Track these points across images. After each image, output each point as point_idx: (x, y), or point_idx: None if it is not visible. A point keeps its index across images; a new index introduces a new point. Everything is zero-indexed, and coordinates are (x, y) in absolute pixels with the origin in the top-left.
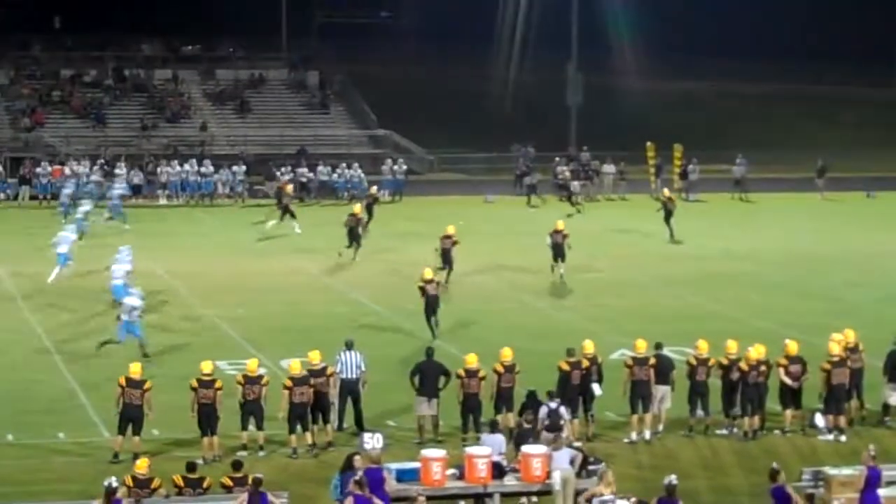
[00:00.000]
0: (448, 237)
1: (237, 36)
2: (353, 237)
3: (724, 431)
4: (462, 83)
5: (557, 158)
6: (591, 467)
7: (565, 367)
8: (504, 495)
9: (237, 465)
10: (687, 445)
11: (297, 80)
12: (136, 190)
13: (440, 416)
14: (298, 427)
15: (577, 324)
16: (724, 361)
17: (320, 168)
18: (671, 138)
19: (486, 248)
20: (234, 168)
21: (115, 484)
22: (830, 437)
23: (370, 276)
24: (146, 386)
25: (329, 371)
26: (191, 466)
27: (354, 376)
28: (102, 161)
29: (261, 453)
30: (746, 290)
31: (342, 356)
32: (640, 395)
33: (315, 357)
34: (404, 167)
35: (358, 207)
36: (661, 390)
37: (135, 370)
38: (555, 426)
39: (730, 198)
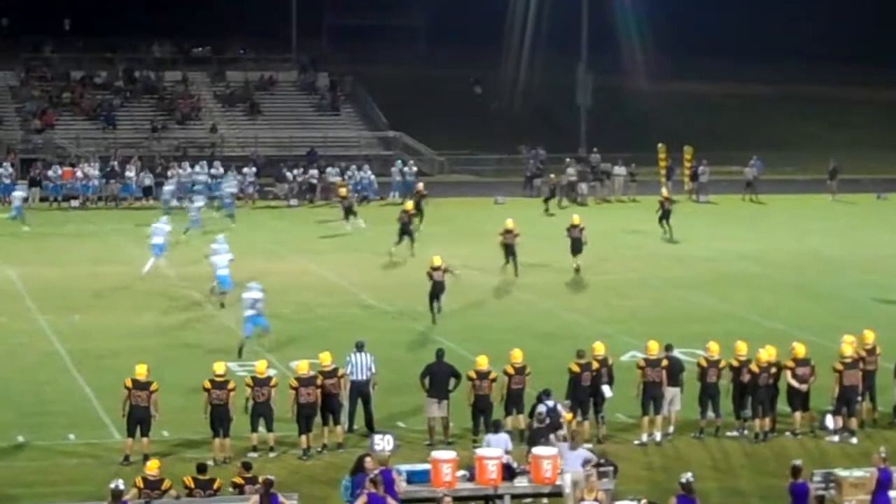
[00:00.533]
0: (509, 231)
1: (247, 38)
2: (406, 233)
3: (735, 433)
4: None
5: (568, 160)
6: (601, 469)
7: (575, 368)
8: (514, 497)
9: (247, 466)
10: (697, 447)
11: (307, 81)
12: (146, 192)
13: (450, 418)
14: (305, 427)
15: (588, 325)
16: (735, 363)
17: (329, 169)
18: (681, 140)
19: (496, 250)
20: (245, 169)
21: (121, 486)
22: (837, 438)
23: (380, 278)
24: (152, 387)
25: (340, 373)
26: (201, 468)
27: (365, 378)
28: (114, 162)
29: (271, 454)
30: (757, 292)
31: (352, 357)
32: (651, 397)
33: (326, 358)
34: (414, 169)
35: (409, 204)
36: (670, 392)
37: (140, 372)
38: (556, 424)
39: (740, 199)
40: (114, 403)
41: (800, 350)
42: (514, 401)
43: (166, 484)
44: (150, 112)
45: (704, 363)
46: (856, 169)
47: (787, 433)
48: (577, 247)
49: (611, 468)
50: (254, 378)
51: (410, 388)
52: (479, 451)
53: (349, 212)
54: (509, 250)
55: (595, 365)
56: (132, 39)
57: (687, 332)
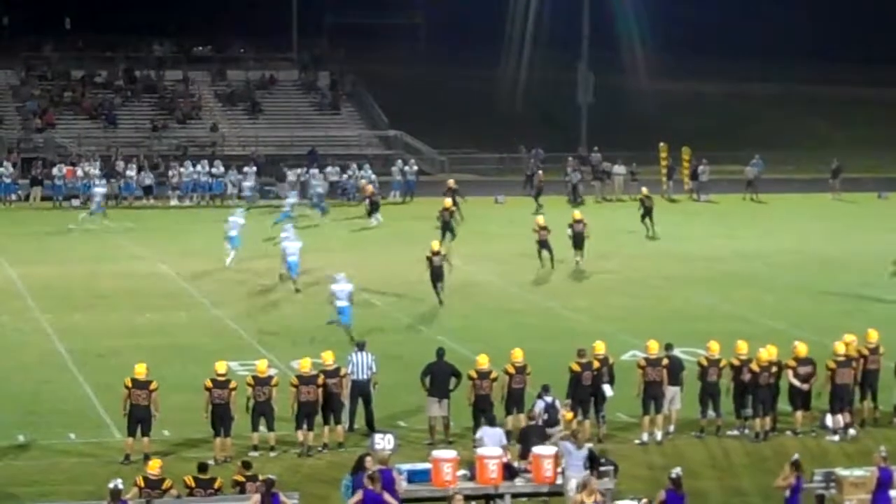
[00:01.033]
0: (544, 228)
1: (248, 37)
2: (448, 229)
3: (736, 432)
4: (472, 84)
5: (570, 159)
6: (601, 468)
7: (576, 367)
8: (515, 496)
9: (247, 465)
10: (698, 446)
11: (307, 80)
12: (147, 191)
13: (451, 418)
14: (305, 425)
15: (588, 324)
16: (736, 362)
17: (329, 169)
18: (682, 139)
19: (496, 249)
20: (246, 169)
21: (120, 486)
22: (837, 437)
23: (382, 277)
24: (152, 386)
25: (342, 372)
26: (202, 467)
27: (365, 377)
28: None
29: (272, 454)
30: (758, 291)
31: (353, 357)
32: (652, 396)
33: (329, 357)
34: (415, 168)
35: (448, 201)
36: (671, 391)
37: (140, 371)
38: (553, 420)
39: (741, 199)
40: (114, 403)
41: (801, 349)
42: (514, 400)
43: (167, 483)
44: (151, 111)
45: (705, 362)
46: (857, 168)
47: (788, 432)
48: (578, 241)
49: (611, 467)
50: (255, 377)
51: (411, 387)
52: (480, 451)
53: (375, 207)
54: (543, 245)
55: (596, 364)
56: (133, 38)
57: (688, 331)
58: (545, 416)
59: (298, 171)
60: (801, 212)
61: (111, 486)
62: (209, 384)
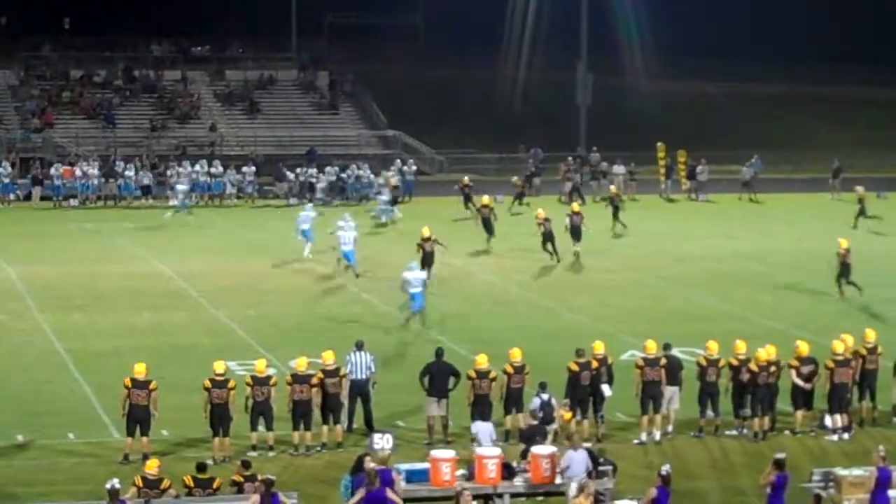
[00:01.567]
0: (547, 220)
1: (247, 37)
2: (487, 226)
3: (734, 432)
4: (472, 83)
5: (570, 159)
6: (601, 468)
7: (574, 367)
8: (514, 496)
9: (246, 465)
10: (697, 446)
11: (306, 80)
12: (145, 191)
13: (449, 417)
14: (302, 425)
15: (587, 324)
16: (734, 362)
17: (328, 168)
18: (681, 139)
19: (496, 248)
20: (244, 168)
21: (117, 486)
22: (836, 437)
23: (381, 277)
24: (152, 386)
25: (342, 372)
26: (201, 467)
27: (364, 377)
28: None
29: (270, 454)
30: (757, 291)
31: (352, 357)
32: (650, 396)
33: (329, 357)
34: (414, 168)
35: (486, 198)
36: (669, 391)
37: (140, 371)
38: (549, 418)
39: (738, 199)
40: (113, 402)
41: (803, 348)
42: (513, 400)
43: (165, 483)
44: (150, 111)
45: (704, 362)
46: (857, 168)
47: (787, 432)
48: (576, 233)
49: (610, 467)
50: (253, 377)
51: (410, 387)
52: (479, 451)
53: (395, 202)
54: (547, 237)
55: (594, 364)
56: (131, 38)
57: (686, 331)
58: (540, 414)
59: (298, 170)
60: (801, 212)
61: (108, 486)
62: (208, 384)
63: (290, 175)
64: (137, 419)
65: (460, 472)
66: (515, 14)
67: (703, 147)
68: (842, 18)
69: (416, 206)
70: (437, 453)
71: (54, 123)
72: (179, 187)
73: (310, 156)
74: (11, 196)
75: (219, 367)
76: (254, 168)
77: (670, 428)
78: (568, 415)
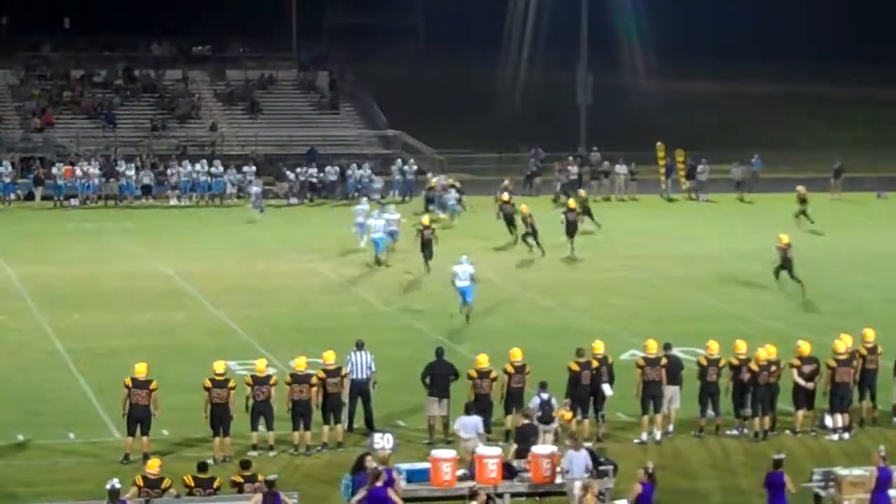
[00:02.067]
0: (530, 215)
1: (247, 36)
2: (510, 222)
3: (735, 432)
4: (472, 83)
5: (570, 158)
6: (601, 468)
7: (575, 367)
8: (514, 495)
9: (246, 465)
10: (697, 446)
11: (306, 80)
12: (145, 191)
13: (450, 417)
14: (302, 425)
15: (588, 324)
16: (735, 362)
17: (328, 168)
18: (681, 139)
19: (495, 248)
20: (245, 168)
21: (117, 486)
22: (836, 437)
23: (381, 277)
24: (152, 386)
25: (343, 372)
26: (202, 466)
27: (364, 376)
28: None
29: (271, 453)
30: (757, 291)
31: (352, 356)
32: (651, 396)
33: (330, 357)
34: (414, 167)
35: (506, 195)
36: (670, 391)
37: (140, 370)
38: (547, 417)
39: (735, 199)
40: (114, 402)
41: (805, 348)
42: (514, 400)
43: (166, 483)
44: (150, 111)
45: (704, 362)
46: (856, 168)
47: (787, 431)
48: (571, 229)
49: (611, 467)
50: (254, 377)
51: (410, 386)
52: (479, 450)
53: (430, 202)
54: (570, 227)
55: (595, 363)
56: (132, 38)
57: (687, 330)
58: (539, 413)
59: (298, 170)
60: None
61: (108, 486)
62: (208, 384)
63: (291, 175)
64: (138, 419)
65: (461, 471)
66: (515, 14)
67: (703, 147)
68: (841, 18)
69: (416, 206)
70: (437, 453)
71: (55, 123)
72: (254, 189)
73: (310, 155)
74: (12, 196)
75: (219, 366)
76: (254, 168)
77: (671, 428)
78: (568, 415)
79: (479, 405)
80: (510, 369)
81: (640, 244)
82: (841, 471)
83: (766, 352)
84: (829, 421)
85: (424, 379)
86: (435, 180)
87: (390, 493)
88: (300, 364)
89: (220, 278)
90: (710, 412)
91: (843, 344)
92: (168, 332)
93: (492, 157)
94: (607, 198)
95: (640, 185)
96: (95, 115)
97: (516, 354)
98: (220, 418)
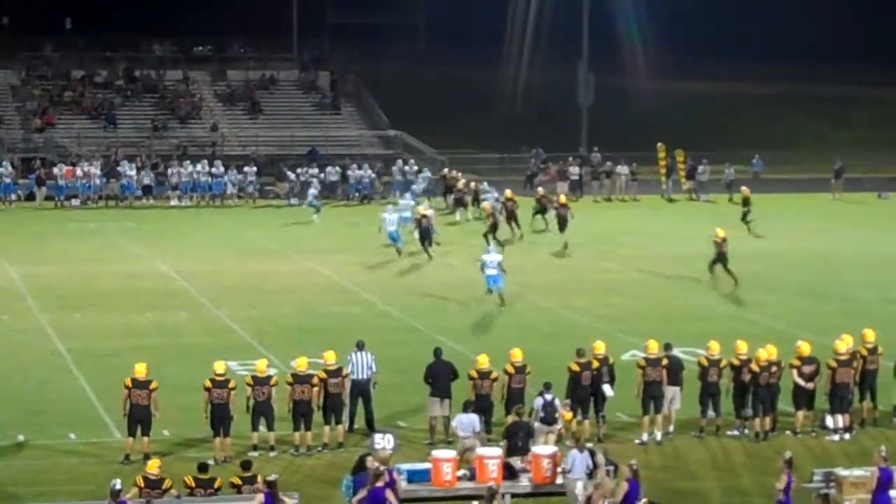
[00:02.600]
0: (510, 199)
1: (248, 37)
2: (513, 218)
3: (736, 432)
4: (472, 83)
5: (570, 158)
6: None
7: (575, 367)
8: (515, 496)
9: (246, 465)
10: (698, 446)
11: (308, 80)
12: (146, 191)
13: (451, 418)
14: (302, 425)
15: (588, 324)
16: (735, 362)
17: (329, 168)
18: (682, 139)
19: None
20: (246, 168)
21: (118, 486)
22: (837, 437)
23: (381, 277)
24: (152, 386)
25: (344, 372)
26: (202, 467)
27: (365, 377)
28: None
29: (271, 454)
30: (758, 291)
31: (353, 357)
32: (651, 396)
33: (331, 357)
34: (415, 168)
35: (508, 192)
36: (671, 391)
37: (140, 371)
38: (550, 419)
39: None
40: (114, 402)
41: (805, 348)
42: (514, 400)
43: (167, 483)
44: (151, 111)
45: (705, 362)
46: (857, 168)
47: (788, 432)
48: (562, 224)
49: (611, 467)
50: (254, 377)
51: (411, 387)
52: (480, 451)
53: (459, 203)
54: (562, 222)
55: (595, 364)
56: (133, 38)
57: (688, 331)
58: (542, 414)
59: (299, 170)
60: (801, 212)
61: (111, 486)
62: (208, 384)
63: (291, 175)
64: (138, 419)
65: (461, 472)
66: (516, 14)
67: (703, 147)
68: (842, 18)
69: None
70: (438, 453)
71: (56, 123)
72: (311, 191)
73: (311, 156)
74: (13, 196)
75: (219, 367)
76: (255, 168)
77: (671, 428)
78: (569, 415)
79: (480, 405)
80: (510, 370)
81: (641, 244)
82: (842, 471)
83: (767, 352)
84: (829, 421)
85: (427, 381)
86: (462, 182)
87: (388, 494)
88: (301, 364)
89: (221, 278)
90: (710, 412)
91: (844, 344)
92: (169, 332)
93: (492, 158)
94: (608, 198)
95: (640, 186)
96: (96, 115)
97: (517, 355)
98: (220, 419)
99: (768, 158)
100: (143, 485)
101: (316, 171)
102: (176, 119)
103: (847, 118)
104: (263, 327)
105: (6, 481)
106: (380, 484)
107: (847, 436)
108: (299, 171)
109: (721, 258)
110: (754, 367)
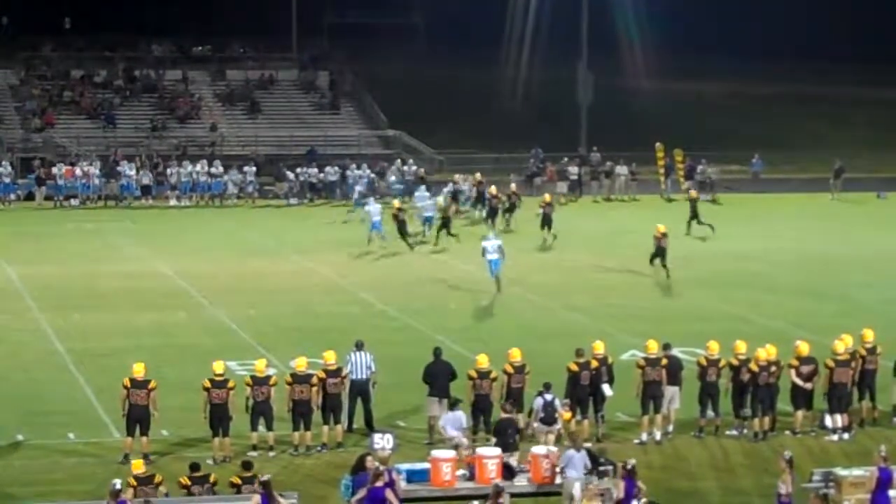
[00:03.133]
0: (495, 197)
1: (247, 36)
2: (547, 222)
3: (735, 432)
4: (472, 83)
5: (566, 159)
6: (600, 468)
7: (574, 367)
8: (514, 496)
9: (247, 466)
10: (697, 446)
11: (307, 80)
12: (145, 191)
13: None
14: (302, 425)
15: (587, 324)
16: (735, 362)
17: (328, 168)
18: (682, 139)
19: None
20: (245, 168)
21: (118, 486)
22: (836, 437)
23: (380, 277)
24: (151, 386)
25: (343, 372)
26: (194, 466)
27: (364, 377)
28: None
29: (271, 454)
30: (758, 291)
31: (352, 356)
32: (651, 396)
33: (330, 357)
34: (414, 168)
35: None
36: (670, 391)
37: (139, 370)
38: (550, 419)
39: (741, 198)
40: (113, 402)
41: (803, 348)
42: (513, 400)
43: (158, 478)
44: (150, 111)
45: (704, 362)
46: (856, 168)
47: (787, 432)
48: (546, 221)
49: (610, 467)
50: (253, 377)
51: (410, 386)
52: (479, 451)
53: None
54: (546, 220)
55: (594, 364)
56: (132, 38)
57: (687, 330)
58: (542, 414)
59: (298, 170)
60: (801, 212)
61: (111, 486)
62: (207, 384)
63: (291, 175)
64: (137, 419)
65: (461, 471)
66: (516, 14)
67: (703, 147)
68: (841, 18)
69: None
70: (437, 453)
71: (55, 123)
72: (358, 188)
73: (310, 156)
74: (12, 196)
75: (218, 367)
76: (254, 168)
77: (671, 428)
78: (567, 415)
79: (480, 405)
80: (510, 370)
81: (640, 244)
82: (841, 471)
83: (766, 352)
84: (828, 421)
85: (426, 380)
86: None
87: (388, 494)
88: (301, 364)
89: (220, 278)
90: (709, 412)
91: (843, 344)
92: (168, 332)
93: (492, 158)
94: (608, 198)
95: (640, 186)
96: (96, 115)
97: (516, 355)
98: (219, 419)
99: (768, 158)
100: (135, 484)
101: (315, 170)
102: (175, 119)
103: (847, 118)
104: (263, 327)
105: (5, 481)
106: (379, 484)
107: (846, 435)
108: (298, 170)
109: (660, 252)
110: (753, 366)
